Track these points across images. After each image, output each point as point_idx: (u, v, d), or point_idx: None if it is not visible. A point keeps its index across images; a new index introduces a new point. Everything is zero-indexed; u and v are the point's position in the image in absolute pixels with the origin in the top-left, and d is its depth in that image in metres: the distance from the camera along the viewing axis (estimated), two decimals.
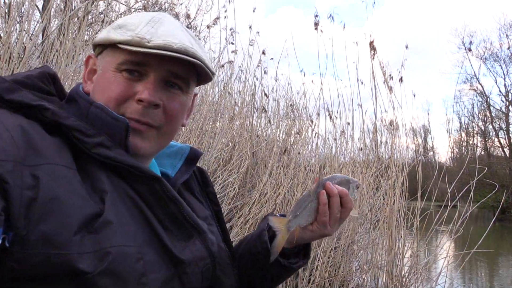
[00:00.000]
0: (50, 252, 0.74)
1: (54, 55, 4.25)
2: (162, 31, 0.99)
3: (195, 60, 0.99)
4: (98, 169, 0.90)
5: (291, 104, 6.62)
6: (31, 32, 4.52)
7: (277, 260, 1.22)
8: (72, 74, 4.12)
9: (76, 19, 4.71)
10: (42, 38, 4.65)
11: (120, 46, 0.98)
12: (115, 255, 0.80)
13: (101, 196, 0.86)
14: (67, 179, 0.82)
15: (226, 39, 5.95)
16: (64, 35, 4.27)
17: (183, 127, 1.23)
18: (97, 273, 0.77)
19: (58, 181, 0.80)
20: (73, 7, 4.98)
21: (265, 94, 6.57)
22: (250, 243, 1.26)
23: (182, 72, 1.03)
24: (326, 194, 1.18)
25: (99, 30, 6.34)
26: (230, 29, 5.98)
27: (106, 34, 1.03)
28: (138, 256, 0.83)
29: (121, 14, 6.10)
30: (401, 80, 5.48)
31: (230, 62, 6.26)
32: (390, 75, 5.52)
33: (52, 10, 4.77)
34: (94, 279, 0.76)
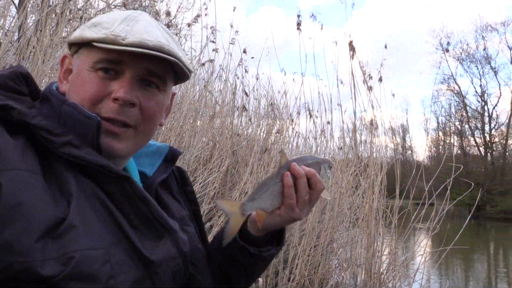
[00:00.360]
0: (12, 259, 0.74)
1: (30, 52, 4.16)
2: (137, 29, 0.98)
3: (171, 58, 0.98)
4: (66, 170, 0.89)
5: (271, 103, 6.65)
6: (7, 28, 4.41)
7: (246, 249, 1.18)
8: (50, 71, 4.04)
9: (53, 15, 4.62)
10: (18, 35, 4.55)
11: (95, 44, 0.97)
12: (79, 259, 0.79)
13: (68, 199, 0.85)
14: (30, 185, 0.81)
15: (207, 37, 5.94)
16: (41, 31, 4.18)
17: (162, 127, 1.27)
18: (62, 277, 0.76)
19: (21, 188, 0.79)
20: (51, 3, 4.88)
21: (246, 93, 6.58)
22: (219, 236, 1.23)
23: (158, 70, 1.02)
24: (292, 176, 1.11)
25: (77, 27, 6.23)
26: (211, 28, 5.97)
27: (81, 32, 1.02)
28: (105, 258, 0.82)
29: (100, 10, 6.01)
30: (380, 79, 5.55)
31: (211, 61, 6.24)
32: (369, 74, 5.59)
33: (29, 5, 4.66)
34: (59, 283, 0.76)
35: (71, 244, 0.80)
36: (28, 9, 4.60)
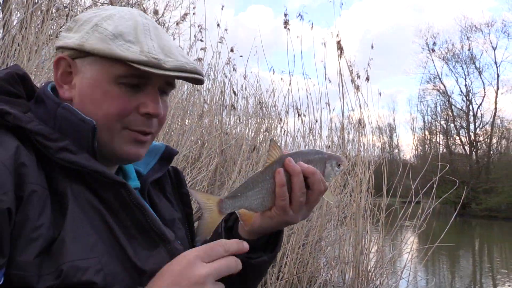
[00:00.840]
0: (12, 271, 0.77)
1: (15, 50, 4.10)
2: (163, 47, 0.97)
3: (202, 78, 1.01)
4: (63, 178, 0.88)
5: (260, 102, 6.65)
6: None
7: None
8: (35, 69, 3.99)
9: (39, 12, 4.56)
10: (3, 33, 4.48)
11: (134, 65, 0.92)
12: (67, 271, 0.79)
13: (64, 211, 0.85)
14: (41, 201, 0.82)
15: (195, 36, 5.92)
16: (26, 29, 4.12)
17: None
18: None
19: (34, 203, 0.81)
20: (36, 1, 4.81)
21: (234, 92, 6.57)
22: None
23: (173, 80, 1.04)
24: (286, 173, 1.01)
25: (63, 24, 6.15)
26: (199, 26, 5.95)
27: (106, 46, 0.94)
28: (97, 267, 0.82)
29: (86, 8, 5.94)
30: (367, 79, 5.60)
31: (199, 60, 6.22)
32: (357, 74, 5.63)
33: (14, 3, 4.59)
34: None
35: (61, 257, 0.80)
36: (13, 6, 4.54)
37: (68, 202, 0.86)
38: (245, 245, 0.90)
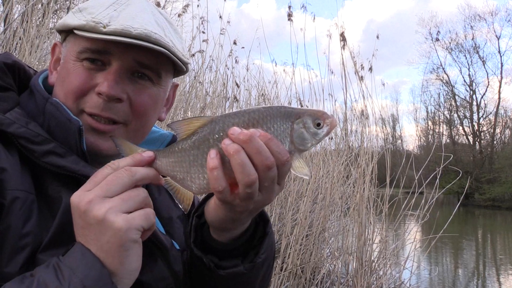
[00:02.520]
0: None
1: (17, 43, 4.09)
2: (125, 14, 0.88)
3: (159, 48, 0.88)
4: (52, 182, 0.84)
5: (262, 94, 6.63)
6: None
7: (199, 259, 0.92)
8: (37, 62, 3.98)
9: (40, 5, 4.54)
10: (4, 26, 4.47)
11: (75, 32, 0.88)
12: None
13: (53, 217, 0.82)
14: (26, 208, 0.79)
15: (197, 28, 5.89)
16: (27, 22, 4.11)
17: (162, 121, 1.11)
18: None
19: (16, 211, 0.77)
20: None
21: (237, 84, 6.55)
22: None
23: (150, 61, 0.92)
24: (224, 150, 0.74)
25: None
26: (201, 18, 5.91)
27: (65, 18, 0.94)
28: None
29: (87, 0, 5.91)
30: (370, 69, 5.56)
31: (201, 52, 6.19)
32: (361, 65, 5.60)
33: None
34: None
35: None
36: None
37: (59, 206, 0.82)
38: (146, 154, 0.76)
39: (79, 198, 0.71)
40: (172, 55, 0.91)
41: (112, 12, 0.88)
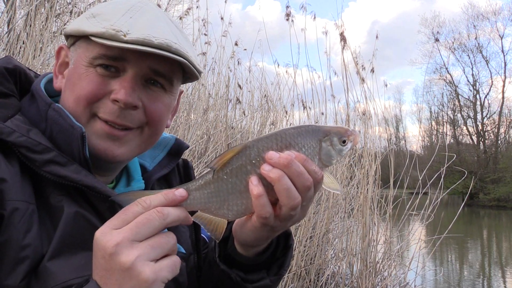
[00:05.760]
0: None
1: (20, 47, 4.11)
2: (142, 23, 0.88)
3: (179, 58, 0.88)
4: (53, 191, 0.83)
5: (265, 95, 6.63)
6: None
7: (226, 273, 0.94)
8: (40, 66, 4.00)
9: (43, 9, 4.56)
10: (8, 30, 4.49)
11: (93, 39, 0.87)
12: None
13: (54, 228, 0.81)
14: (25, 219, 0.77)
15: (199, 30, 5.90)
16: (30, 26, 4.13)
17: (167, 128, 1.10)
18: None
19: (15, 222, 0.76)
20: None
21: (239, 86, 6.55)
22: (209, 261, 1.05)
23: (165, 69, 0.92)
24: (265, 176, 0.75)
25: (67, 21, 6.16)
26: (202, 20, 5.93)
27: (78, 24, 0.92)
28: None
29: (90, 4, 5.94)
30: (372, 70, 5.55)
31: (204, 54, 6.20)
32: (362, 65, 5.58)
33: (18, 0, 4.60)
34: None
35: (52, 279, 0.76)
36: (17, 3, 4.54)
37: (61, 216, 0.81)
38: (179, 193, 0.73)
39: (106, 237, 0.67)
40: (190, 65, 0.92)
41: (129, 20, 0.88)
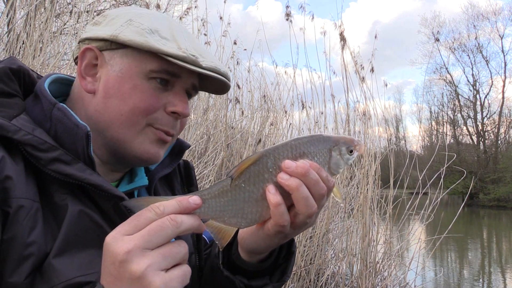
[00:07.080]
0: None
1: (20, 48, 4.11)
2: (197, 48, 0.96)
3: (227, 82, 1.00)
4: (58, 189, 0.84)
5: (264, 95, 6.63)
6: None
7: (229, 280, 0.97)
8: (40, 66, 3.99)
9: (43, 9, 4.56)
10: (8, 30, 4.49)
11: (169, 59, 0.91)
12: None
13: (59, 226, 0.81)
14: (30, 217, 0.78)
15: (198, 30, 5.90)
16: (30, 26, 4.13)
17: None
18: None
19: (20, 219, 0.77)
20: None
21: (238, 86, 6.55)
22: (211, 265, 1.06)
23: (198, 85, 1.03)
24: (283, 185, 0.77)
25: (67, 21, 6.16)
26: (201, 20, 5.93)
27: (143, 38, 0.91)
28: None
29: (89, 4, 5.94)
30: (372, 70, 5.55)
31: None
32: (361, 65, 5.58)
33: (18, 0, 4.60)
34: None
35: (56, 276, 0.76)
36: (17, 3, 4.54)
37: (65, 214, 0.82)
38: (193, 201, 0.72)
39: (117, 243, 0.66)
40: (229, 84, 1.03)
41: (189, 43, 0.95)
